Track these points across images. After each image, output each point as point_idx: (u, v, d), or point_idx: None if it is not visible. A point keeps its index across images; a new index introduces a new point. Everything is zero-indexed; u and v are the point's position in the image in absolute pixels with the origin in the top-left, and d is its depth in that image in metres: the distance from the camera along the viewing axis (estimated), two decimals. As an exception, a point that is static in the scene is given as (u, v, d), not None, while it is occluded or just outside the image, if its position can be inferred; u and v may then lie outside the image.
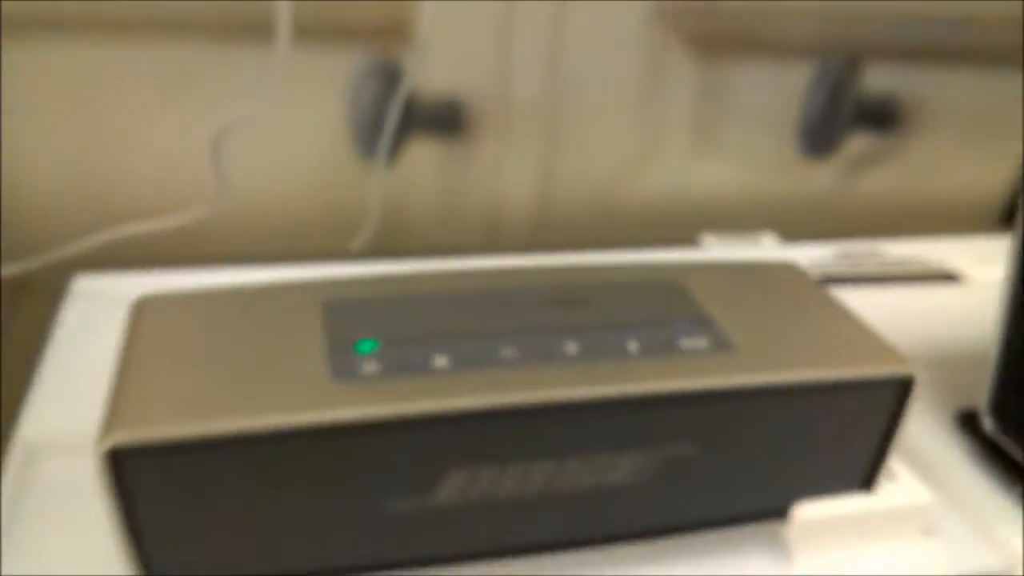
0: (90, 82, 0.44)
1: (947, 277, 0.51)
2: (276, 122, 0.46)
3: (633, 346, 0.26)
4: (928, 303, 0.47)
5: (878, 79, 0.54)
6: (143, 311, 0.27)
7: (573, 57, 0.48)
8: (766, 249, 0.51)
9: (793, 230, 0.52)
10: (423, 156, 0.50)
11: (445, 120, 0.49)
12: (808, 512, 0.29)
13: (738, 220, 0.53)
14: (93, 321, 0.39)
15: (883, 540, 0.29)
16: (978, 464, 0.35)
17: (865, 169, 0.56)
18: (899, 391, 0.27)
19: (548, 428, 0.25)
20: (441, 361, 0.25)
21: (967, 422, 0.37)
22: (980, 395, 0.35)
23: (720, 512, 0.28)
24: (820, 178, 0.56)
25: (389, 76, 0.46)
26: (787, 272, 0.32)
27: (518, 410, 0.24)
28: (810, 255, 0.49)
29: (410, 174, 0.50)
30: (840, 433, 0.28)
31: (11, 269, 0.43)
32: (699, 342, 0.27)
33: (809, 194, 0.56)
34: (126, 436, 0.22)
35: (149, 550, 0.24)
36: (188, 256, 0.42)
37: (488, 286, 0.29)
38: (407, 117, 0.47)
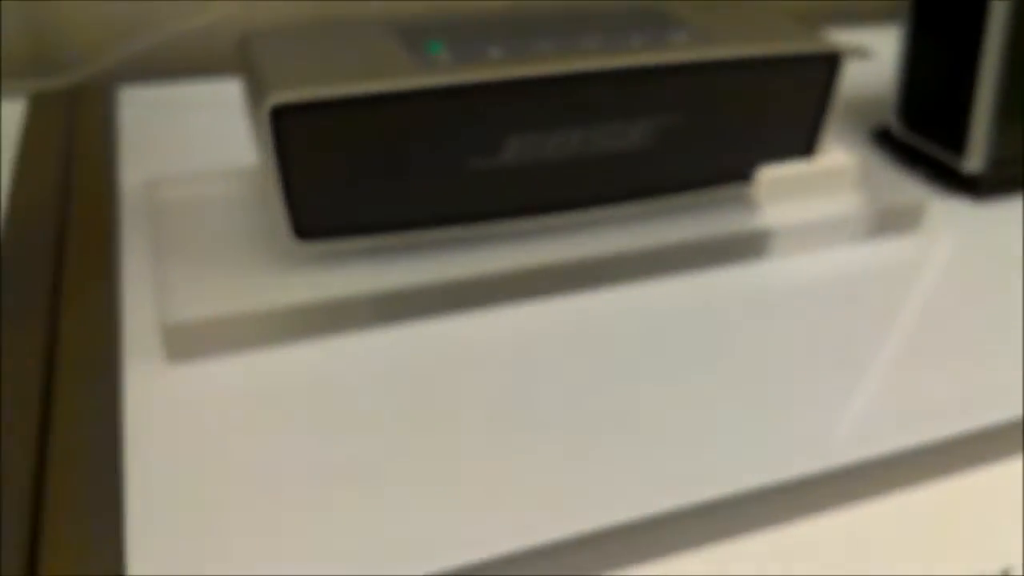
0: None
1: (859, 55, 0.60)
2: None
3: (636, 40, 0.35)
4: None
5: None
6: (250, 40, 0.34)
7: None
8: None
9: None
10: None
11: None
12: (768, 175, 0.38)
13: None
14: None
15: (825, 194, 0.39)
16: (890, 161, 0.45)
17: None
18: (831, 66, 0.36)
19: (577, 96, 0.33)
20: (495, 52, 0.33)
21: (880, 136, 0.47)
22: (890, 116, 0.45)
23: (705, 174, 0.37)
24: None
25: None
26: (750, 6, 0.41)
27: (555, 78, 0.33)
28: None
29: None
30: (789, 104, 0.37)
31: (54, 83, 0.49)
32: (683, 36, 0.35)
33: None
34: (282, 97, 0.30)
35: (298, 200, 0.32)
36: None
37: (518, 12, 0.37)
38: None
